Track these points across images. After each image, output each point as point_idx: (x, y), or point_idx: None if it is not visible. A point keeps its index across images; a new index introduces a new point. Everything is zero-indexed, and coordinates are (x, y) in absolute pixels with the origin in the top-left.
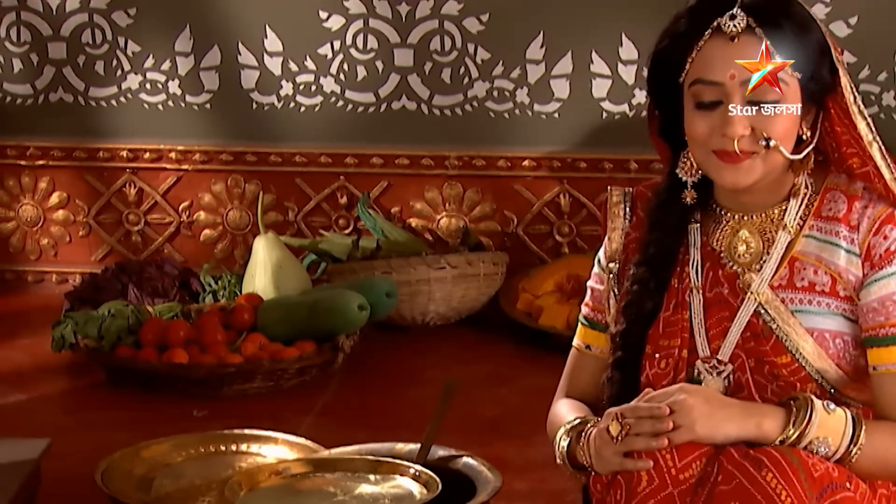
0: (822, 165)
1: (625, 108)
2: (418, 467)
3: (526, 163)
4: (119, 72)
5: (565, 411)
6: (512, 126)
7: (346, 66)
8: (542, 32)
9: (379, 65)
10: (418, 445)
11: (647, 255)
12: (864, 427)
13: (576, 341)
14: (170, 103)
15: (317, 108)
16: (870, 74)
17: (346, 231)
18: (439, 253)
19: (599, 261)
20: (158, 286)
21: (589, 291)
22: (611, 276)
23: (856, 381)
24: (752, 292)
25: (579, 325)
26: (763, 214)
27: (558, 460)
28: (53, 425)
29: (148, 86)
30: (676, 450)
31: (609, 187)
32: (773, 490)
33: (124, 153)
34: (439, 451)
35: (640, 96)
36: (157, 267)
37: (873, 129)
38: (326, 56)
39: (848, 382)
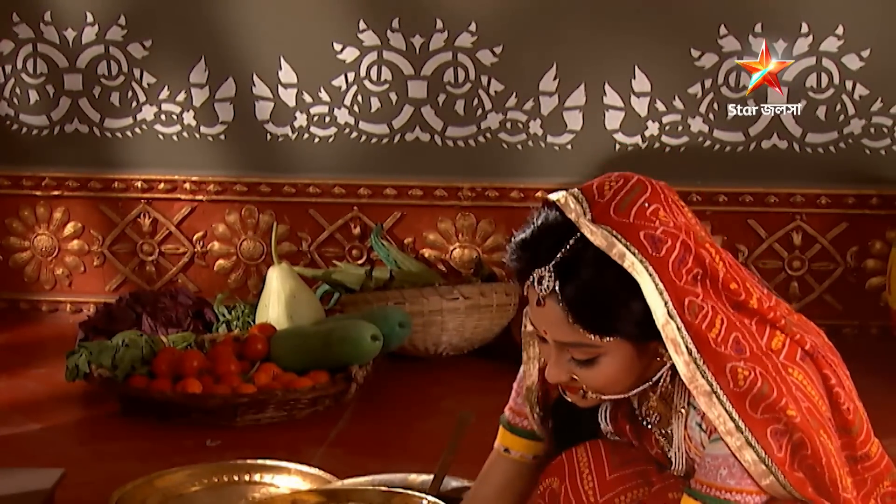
0: None
1: (637, 139)
2: (431, 498)
3: (539, 194)
4: (134, 103)
5: None
6: (525, 157)
7: (360, 98)
8: (555, 65)
9: (393, 96)
10: (431, 476)
11: (566, 408)
12: None
13: (496, 442)
14: (184, 134)
15: (331, 140)
16: (882, 107)
17: (360, 261)
18: (452, 283)
19: (520, 376)
20: (172, 316)
21: (513, 392)
22: (534, 409)
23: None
24: (674, 471)
25: (500, 426)
26: (666, 387)
27: None
28: (67, 455)
29: (163, 117)
30: (598, 484)
31: (525, 311)
32: None
33: (139, 184)
34: (452, 482)
35: (653, 128)
36: (171, 297)
37: (696, 359)
38: (340, 88)
39: None
